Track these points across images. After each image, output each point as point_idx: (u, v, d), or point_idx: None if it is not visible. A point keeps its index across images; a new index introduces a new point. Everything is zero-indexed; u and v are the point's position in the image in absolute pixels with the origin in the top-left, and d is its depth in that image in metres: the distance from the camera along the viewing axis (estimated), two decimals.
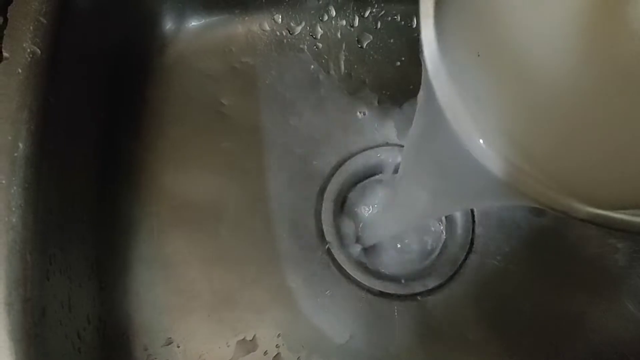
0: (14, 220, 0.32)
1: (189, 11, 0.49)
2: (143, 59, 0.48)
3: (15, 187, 0.32)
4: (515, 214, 0.49)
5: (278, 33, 0.51)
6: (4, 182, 0.32)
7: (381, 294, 0.47)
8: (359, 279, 0.47)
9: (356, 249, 0.48)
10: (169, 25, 0.49)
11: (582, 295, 0.47)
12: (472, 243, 0.49)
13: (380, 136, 0.50)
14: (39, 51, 0.35)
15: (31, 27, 0.35)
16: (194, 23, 0.50)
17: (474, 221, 0.49)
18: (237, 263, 0.46)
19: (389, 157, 0.49)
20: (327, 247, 0.47)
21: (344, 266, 0.47)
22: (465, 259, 0.48)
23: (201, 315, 0.45)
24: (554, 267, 0.48)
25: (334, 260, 0.47)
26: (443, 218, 0.50)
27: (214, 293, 0.45)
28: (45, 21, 0.36)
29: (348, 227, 0.49)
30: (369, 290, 0.47)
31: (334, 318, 0.46)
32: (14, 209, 0.32)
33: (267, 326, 0.45)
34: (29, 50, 0.35)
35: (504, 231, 0.49)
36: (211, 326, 0.45)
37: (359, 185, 0.51)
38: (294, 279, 0.46)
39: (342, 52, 0.51)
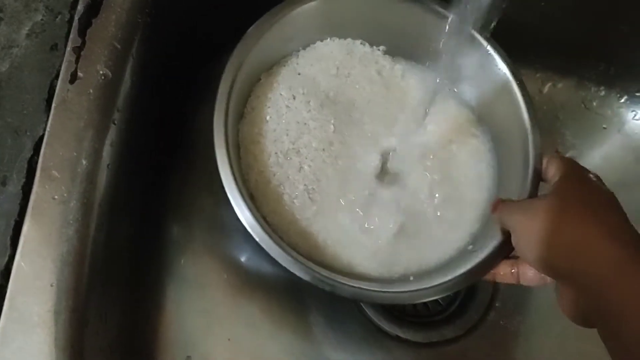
0: (70, 232, 0.33)
1: None
2: (200, 87, 0.50)
3: (74, 202, 0.34)
4: None
5: None
6: (65, 195, 0.34)
7: (398, 339, 0.47)
8: (378, 322, 0.48)
9: None
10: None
11: None
12: (492, 299, 0.50)
13: None
14: (110, 74, 0.37)
15: (106, 51, 0.37)
16: None
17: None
18: (263, 292, 0.47)
19: None
20: None
21: (364, 307, 0.48)
22: (484, 314, 0.49)
23: (222, 337, 0.46)
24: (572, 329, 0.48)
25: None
26: None
27: (237, 318, 0.46)
28: (119, 46, 0.38)
29: None
30: (387, 334, 0.47)
31: (350, 357, 0.47)
32: (71, 222, 0.33)
33: (285, 357, 0.46)
34: (101, 72, 0.37)
35: (525, 291, 0.50)
36: (230, 350, 0.46)
37: None
38: (316, 315, 0.47)
39: None
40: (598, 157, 0.54)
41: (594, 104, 0.55)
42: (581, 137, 0.54)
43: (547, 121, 0.55)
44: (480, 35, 0.42)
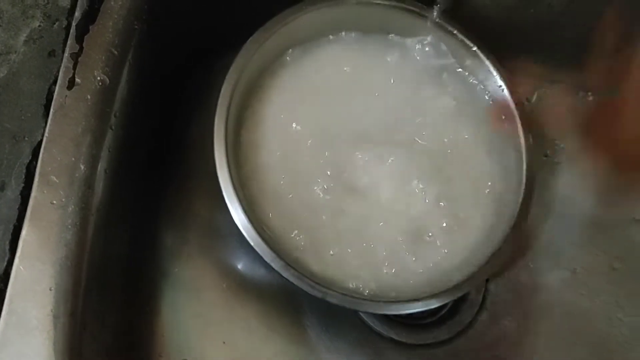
0: (68, 237, 0.34)
1: None
2: (196, 93, 0.51)
3: (72, 207, 0.34)
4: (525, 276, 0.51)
5: None
6: (63, 200, 0.34)
7: (392, 341, 0.48)
8: (372, 324, 0.48)
9: None
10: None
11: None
12: (483, 300, 0.50)
13: None
14: (107, 80, 0.38)
15: (103, 57, 0.38)
16: None
17: (487, 280, 0.51)
18: (258, 295, 0.47)
19: None
20: None
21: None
22: (476, 316, 0.50)
23: (217, 341, 0.46)
24: (562, 331, 0.49)
25: None
26: None
27: (232, 321, 0.47)
28: (116, 52, 0.38)
29: None
30: (381, 336, 0.48)
31: (344, 359, 0.47)
32: (69, 227, 0.34)
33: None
34: (99, 78, 0.37)
35: (515, 292, 0.50)
36: (225, 353, 0.46)
37: None
38: (310, 318, 0.47)
39: None
40: None
41: (584, 109, 0.56)
42: (571, 142, 0.55)
43: (536, 126, 0.55)
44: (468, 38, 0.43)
